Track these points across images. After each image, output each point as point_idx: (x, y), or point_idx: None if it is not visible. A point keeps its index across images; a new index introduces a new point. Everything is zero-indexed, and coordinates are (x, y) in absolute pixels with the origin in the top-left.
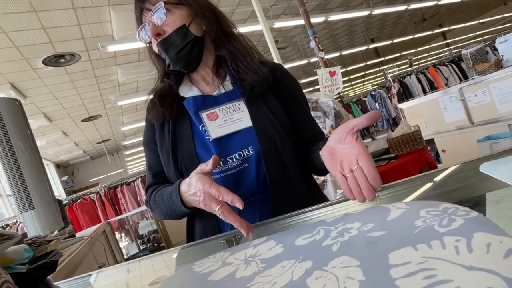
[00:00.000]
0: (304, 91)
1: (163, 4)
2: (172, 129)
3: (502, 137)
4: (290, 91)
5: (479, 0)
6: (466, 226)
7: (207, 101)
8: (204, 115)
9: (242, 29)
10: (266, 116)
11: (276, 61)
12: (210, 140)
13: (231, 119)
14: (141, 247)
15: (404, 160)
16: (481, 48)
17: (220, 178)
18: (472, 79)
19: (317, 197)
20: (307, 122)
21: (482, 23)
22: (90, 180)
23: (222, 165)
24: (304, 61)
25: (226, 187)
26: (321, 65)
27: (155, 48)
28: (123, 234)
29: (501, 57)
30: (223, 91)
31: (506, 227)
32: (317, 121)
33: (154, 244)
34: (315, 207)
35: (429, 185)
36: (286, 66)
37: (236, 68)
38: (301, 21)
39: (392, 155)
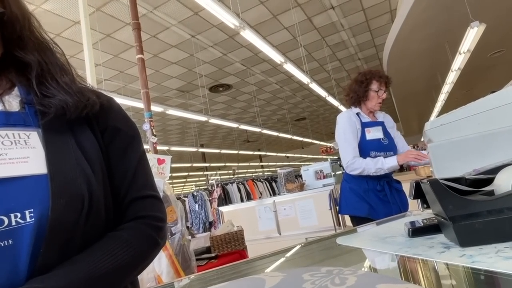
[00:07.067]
0: None
1: None
2: None
3: None
4: (116, 133)
5: (287, 140)
6: (363, 281)
7: None
8: None
9: None
10: (75, 161)
11: None
12: None
13: (1, 156)
14: None
15: (225, 260)
16: (290, 171)
17: None
18: (283, 194)
19: None
20: (127, 177)
21: (287, 156)
22: None
23: None
24: None
25: None
26: (150, 150)
27: None
28: None
29: (304, 181)
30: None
31: None
32: None
33: None
34: None
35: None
36: None
37: (42, 81)
38: (136, 103)
39: (213, 255)
